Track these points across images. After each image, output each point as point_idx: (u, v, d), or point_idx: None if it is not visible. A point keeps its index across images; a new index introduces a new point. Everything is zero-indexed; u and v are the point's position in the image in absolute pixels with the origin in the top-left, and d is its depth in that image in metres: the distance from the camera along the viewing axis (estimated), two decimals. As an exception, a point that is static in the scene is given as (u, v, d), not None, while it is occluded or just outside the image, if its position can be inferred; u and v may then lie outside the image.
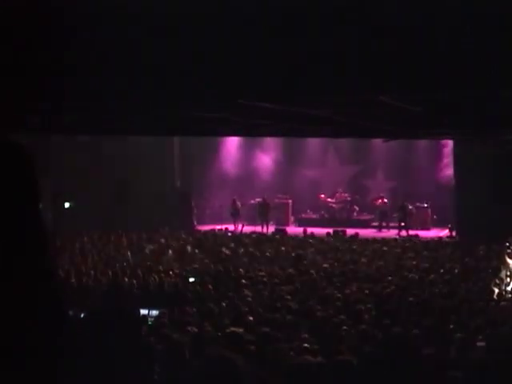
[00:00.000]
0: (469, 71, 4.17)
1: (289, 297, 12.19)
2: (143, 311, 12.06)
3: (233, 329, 7.93)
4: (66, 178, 25.32)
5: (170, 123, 10.08)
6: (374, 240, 21.73)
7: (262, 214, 27.52)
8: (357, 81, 4.66)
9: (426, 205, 27.18)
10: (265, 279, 14.18)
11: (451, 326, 10.14)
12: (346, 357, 6.44)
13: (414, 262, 16.71)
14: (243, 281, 13.93)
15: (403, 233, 25.47)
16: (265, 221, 27.22)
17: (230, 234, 24.95)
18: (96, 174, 25.81)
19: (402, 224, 26.05)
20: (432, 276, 14.56)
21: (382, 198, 27.47)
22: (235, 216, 27.82)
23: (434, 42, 3.54)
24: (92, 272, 15.22)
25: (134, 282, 13.91)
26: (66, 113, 7.73)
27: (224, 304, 11.89)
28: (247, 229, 26.45)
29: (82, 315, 2.98)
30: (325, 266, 15.86)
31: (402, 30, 3.47)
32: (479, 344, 8.83)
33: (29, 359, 1.62)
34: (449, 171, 26.49)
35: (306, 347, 7.99)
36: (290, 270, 15.23)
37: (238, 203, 28.03)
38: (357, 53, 3.71)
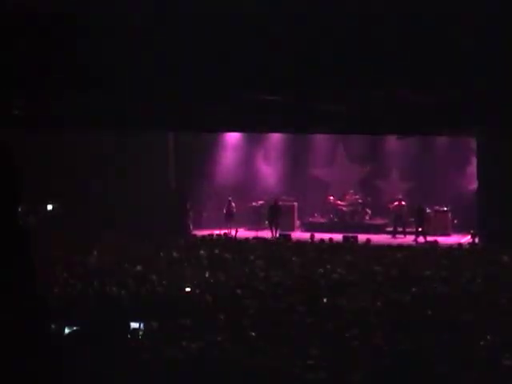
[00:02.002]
0: (492, 65, 4.18)
1: (295, 309, 12.19)
2: (133, 324, 12.06)
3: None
4: (52, 178, 25.39)
5: (169, 117, 10.12)
6: (389, 247, 21.73)
7: (272, 217, 27.49)
8: (370, 73, 4.68)
9: (445, 208, 27.17)
10: (264, 288, 14.18)
11: (476, 343, 10.13)
12: (357, 375, 6.46)
13: (432, 272, 16.70)
14: (244, 291, 13.93)
15: (420, 239, 25.48)
16: (275, 225, 27.22)
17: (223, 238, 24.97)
18: (83, 173, 25.88)
19: (420, 229, 26.05)
20: (452, 287, 14.56)
21: (399, 200, 27.40)
22: (230, 219, 27.87)
23: (454, 32, 3.55)
24: (73, 281, 15.25)
25: (123, 292, 13.89)
26: (56, 106, 7.78)
27: (223, 317, 11.89)
28: (249, 234, 26.46)
29: (69, 330, 3.02)
30: (334, 275, 15.86)
31: (420, 20, 3.49)
32: (506, 363, 8.83)
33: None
34: (473, 185, 26.26)
35: (314, 364, 8.00)
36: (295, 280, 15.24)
37: (233, 205, 28.08)
38: (371, 43, 3.72)
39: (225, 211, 28.02)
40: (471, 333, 10.75)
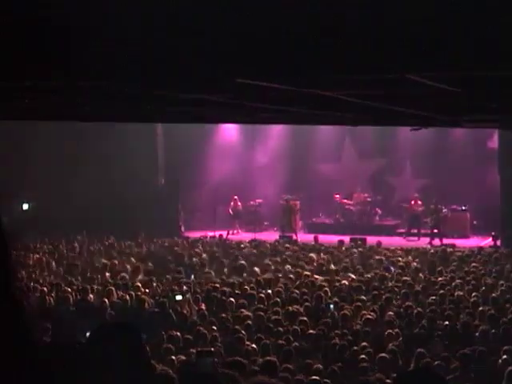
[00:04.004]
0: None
1: (298, 319, 12.20)
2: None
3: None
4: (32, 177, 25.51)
5: (160, 108, 10.11)
6: (401, 250, 21.72)
7: (287, 219, 27.52)
8: (380, 55, 4.66)
9: (464, 208, 27.13)
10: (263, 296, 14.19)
11: (499, 359, 10.13)
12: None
13: (450, 277, 16.71)
14: (240, 300, 13.94)
15: (436, 241, 25.47)
16: (290, 228, 27.22)
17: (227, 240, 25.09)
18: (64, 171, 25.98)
19: (435, 231, 26.04)
20: (472, 295, 14.55)
21: (415, 199, 27.32)
22: (235, 219, 28.07)
23: (476, 7, 3.53)
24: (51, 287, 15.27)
25: (106, 300, 13.89)
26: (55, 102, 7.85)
27: (216, 328, 11.89)
28: (247, 236, 26.47)
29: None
30: (343, 282, 15.87)
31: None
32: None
33: None
34: (494, 182, 26.09)
35: (317, 381, 8.00)
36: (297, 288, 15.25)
37: (239, 204, 28.26)
38: (381, 20, 3.69)
39: (230, 211, 28.20)
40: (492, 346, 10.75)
